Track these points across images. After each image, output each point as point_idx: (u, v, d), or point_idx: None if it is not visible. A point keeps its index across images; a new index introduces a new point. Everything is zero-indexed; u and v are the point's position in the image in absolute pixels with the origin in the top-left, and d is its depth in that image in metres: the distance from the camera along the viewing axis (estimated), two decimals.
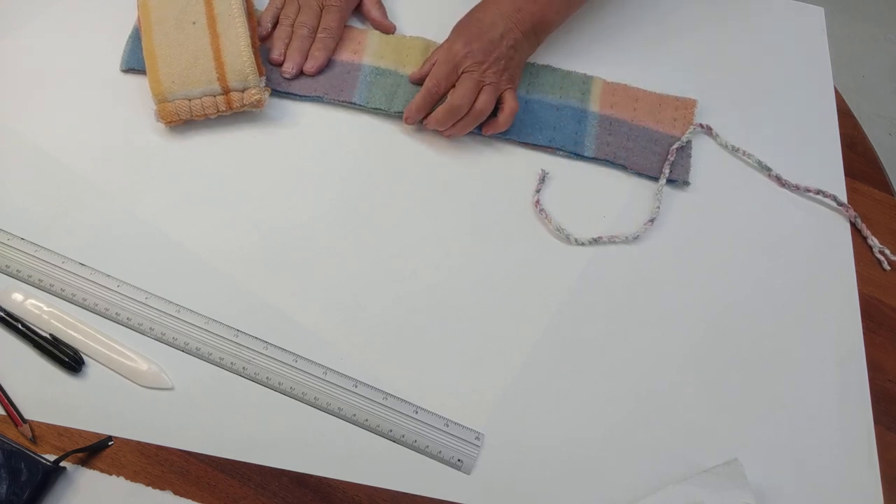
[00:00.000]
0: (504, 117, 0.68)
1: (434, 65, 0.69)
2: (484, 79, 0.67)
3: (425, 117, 0.70)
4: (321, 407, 0.59)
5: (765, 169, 0.73)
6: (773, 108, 0.78)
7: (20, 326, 0.59)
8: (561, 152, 0.72)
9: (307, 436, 0.58)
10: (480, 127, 0.70)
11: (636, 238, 0.69)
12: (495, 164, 0.71)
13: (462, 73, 0.67)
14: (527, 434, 0.60)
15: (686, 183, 0.72)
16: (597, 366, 0.63)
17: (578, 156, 0.72)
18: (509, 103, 0.68)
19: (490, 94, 0.67)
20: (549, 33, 0.71)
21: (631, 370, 0.63)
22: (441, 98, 0.68)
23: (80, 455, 0.55)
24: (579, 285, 0.66)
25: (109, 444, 0.56)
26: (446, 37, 0.76)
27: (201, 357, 0.60)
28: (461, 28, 0.69)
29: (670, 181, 0.71)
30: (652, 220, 0.69)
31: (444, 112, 0.68)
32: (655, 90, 0.76)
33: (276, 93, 0.71)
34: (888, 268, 0.70)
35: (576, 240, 0.68)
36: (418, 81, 0.72)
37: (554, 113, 0.73)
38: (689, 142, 0.73)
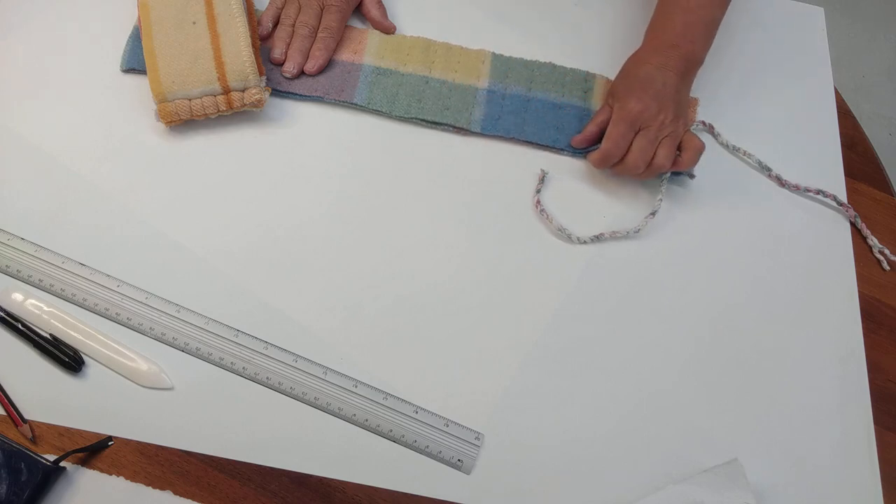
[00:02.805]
0: (689, 156, 0.67)
1: (608, 124, 0.68)
2: (661, 133, 0.66)
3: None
4: (321, 407, 0.59)
5: (765, 169, 0.73)
6: (773, 108, 0.78)
7: (20, 326, 0.59)
8: (564, 152, 0.72)
9: (307, 436, 0.58)
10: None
11: (637, 232, 0.68)
12: (495, 164, 0.71)
13: (639, 129, 0.67)
14: (527, 434, 0.60)
15: (692, 176, 0.71)
16: (597, 366, 0.63)
17: (583, 155, 0.72)
18: (694, 143, 0.67)
19: (669, 146, 0.66)
20: (699, 68, 0.71)
21: (631, 370, 0.63)
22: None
23: (80, 455, 0.55)
24: (579, 284, 0.66)
25: (109, 444, 0.56)
26: (445, 37, 0.76)
27: (201, 357, 0.60)
28: (624, 88, 0.69)
29: (676, 173, 0.71)
30: (653, 213, 0.69)
31: (620, 171, 0.69)
32: None
33: (277, 92, 0.71)
34: (888, 268, 0.70)
35: (577, 238, 0.68)
36: (581, 145, 0.71)
37: (556, 112, 0.73)
38: None
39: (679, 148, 0.68)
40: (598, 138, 0.70)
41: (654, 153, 0.67)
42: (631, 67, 0.70)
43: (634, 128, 0.67)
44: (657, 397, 0.62)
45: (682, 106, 0.69)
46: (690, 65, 0.70)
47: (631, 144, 0.67)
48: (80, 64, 0.71)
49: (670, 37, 0.69)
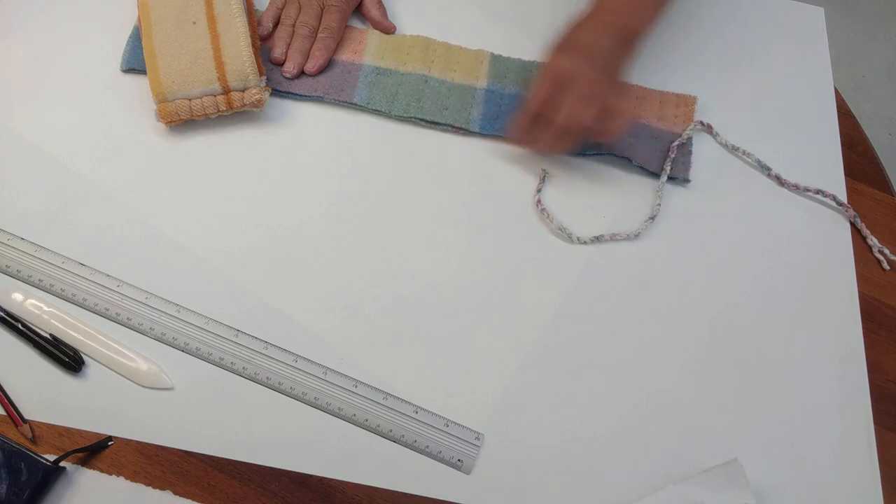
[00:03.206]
0: (616, 125, 0.65)
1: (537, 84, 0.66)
2: (591, 93, 0.63)
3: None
4: (321, 407, 0.59)
5: (765, 168, 0.73)
6: (773, 107, 0.78)
7: (20, 326, 0.59)
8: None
9: (307, 436, 0.58)
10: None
11: (637, 235, 0.68)
12: (495, 164, 0.71)
13: (567, 90, 0.64)
14: (527, 434, 0.60)
15: (686, 181, 0.72)
16: (597, 365, 0.63)
17: (581, 154, 0.71)
18: (619, 108, 0.65)
19: (597, 108, 0.63)
20: (641, 40, 0.67)
21: (631, 370, 0.63)
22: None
23: (80, 455, 0.55)
24: (580, 284, 0.66)
25: (109, 444, 0.56)
26: (445, 37, 0.76)
27: (201, 357, 0.60)
28: (558, 48, 0.66)
29: (671, 178, 0.71)
30: (653, 218, 0.69)
31: (554, 136, 0.65)
32: (655, 88, 0.76)
33: (277, 92, 0.71)
34: (888, 268, 0.70)
35: (577, 238, 0.68)
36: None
37: None
38: (689, 139, 0.73)
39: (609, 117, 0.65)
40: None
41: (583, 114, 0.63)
42: (569, 33, 0.67)
43: (563, 86, 0.63)
44: (657, 397, 0.62)
45: (617, 70, 0.65)
46: (630, 34, 0.66)
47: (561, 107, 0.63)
48: (80, 64, 0.71)
49: (613, 6, 0.66)
